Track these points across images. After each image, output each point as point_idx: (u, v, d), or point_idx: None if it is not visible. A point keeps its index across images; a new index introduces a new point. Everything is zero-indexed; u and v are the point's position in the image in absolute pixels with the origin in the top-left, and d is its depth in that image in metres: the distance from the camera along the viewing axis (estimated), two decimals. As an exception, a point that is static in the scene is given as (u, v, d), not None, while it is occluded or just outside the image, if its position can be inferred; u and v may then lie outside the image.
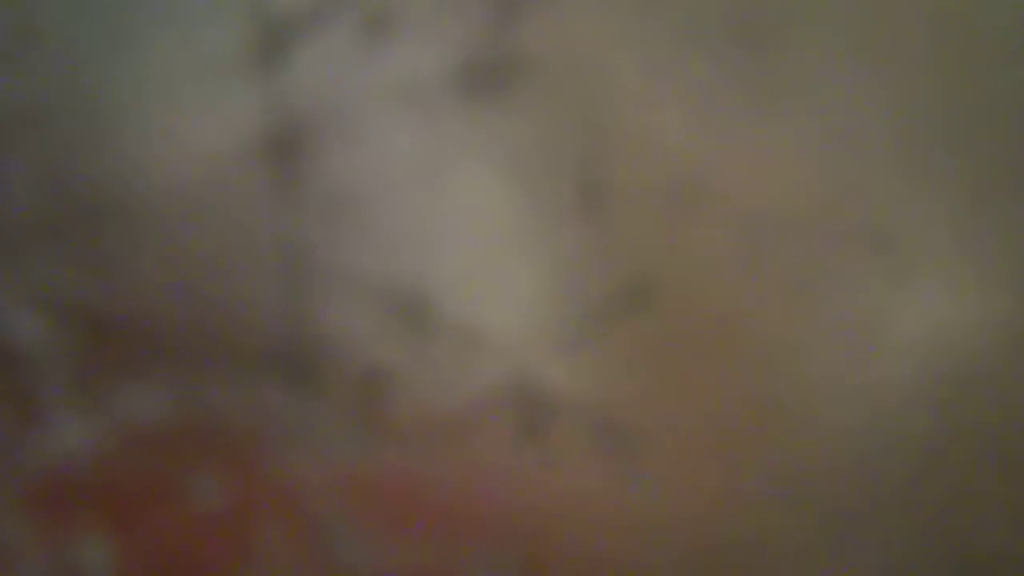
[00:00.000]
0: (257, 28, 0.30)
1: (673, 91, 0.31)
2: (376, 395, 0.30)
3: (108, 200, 0.30)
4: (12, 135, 0.30)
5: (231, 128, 0.30)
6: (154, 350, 0.30)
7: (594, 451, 0.31)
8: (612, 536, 0.31)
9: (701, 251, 0.31)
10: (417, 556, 0.31)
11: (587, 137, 0.31)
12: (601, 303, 0.31)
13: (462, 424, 0.31)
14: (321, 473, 0.30)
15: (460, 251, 0.31)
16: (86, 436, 0.30)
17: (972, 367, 0.31)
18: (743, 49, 0.31)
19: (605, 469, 0.31)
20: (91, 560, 0.30)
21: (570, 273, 0.31)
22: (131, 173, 0.30)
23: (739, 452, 0.31)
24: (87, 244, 0.30)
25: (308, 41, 0.31)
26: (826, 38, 0.31)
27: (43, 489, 0.30)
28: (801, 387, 0.31)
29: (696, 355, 0.31)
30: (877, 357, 0.31)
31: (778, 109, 0.31)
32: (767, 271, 0.31)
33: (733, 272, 0.31)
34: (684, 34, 0.31)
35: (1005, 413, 0.32)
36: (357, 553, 0.31)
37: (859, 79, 0.31)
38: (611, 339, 0.31)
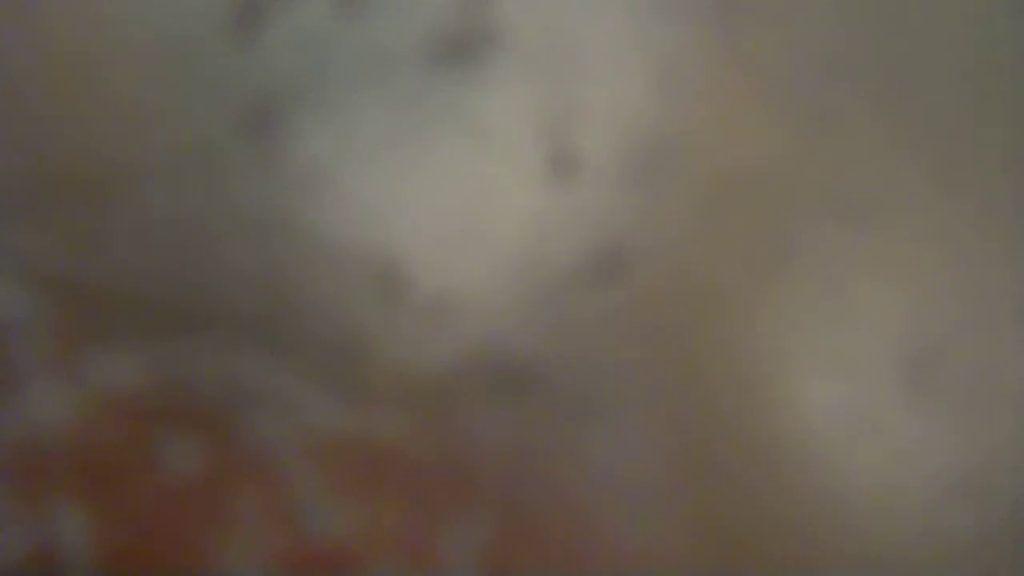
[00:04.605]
0: (233, 0, 0.31)
1: (642, 60, 0.31)
2: (351, 361, 0.31)
3: (85, 170, 0.31)
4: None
5: (206, 99, 0.31)
6: (131, 319, 0.31)
7: (566, 418, 0.31)
8: (586, 503, 0.31)
9: (671, 219, 0.31)
10: (392, 523, 0.31)
11: (557, 107, 0.31)
12: (572, 270, 0.31)
13: (436, 389, 0.31)
14: (296, 440, 0.31)
15: (433, 220, 0.31)
16: (63, 405, 0.31)
17: (942, 339, 0.32)
18: (716, 20, 0.31)
19: (577, 436, 0.31)
20: (68, 528, 0.31)
21: (542, 241, 0.31)
22: (108, 143, 0.31)
23: (711, 418, 0.31)
24: (64, 214, 0.31)
25: (283, 13, 0.31)
26: (795, 4, 0.31)
27: (20, 458, 0.31)
28: (772, 354, 0.31)
29: (666, 322, 0.31)
30: (849, 326, 0.32)
31: (748, 77, 0.31)
32: (737, 239, 0.31)
33: (703, 240, 0.31)
34: (656, 4, 0.31)
35: (966, 380, 0.32)
36: (332, 519, 0.31)
37: (836, 48, 0.31)
38: (583, 306, 0.31)
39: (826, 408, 0.32)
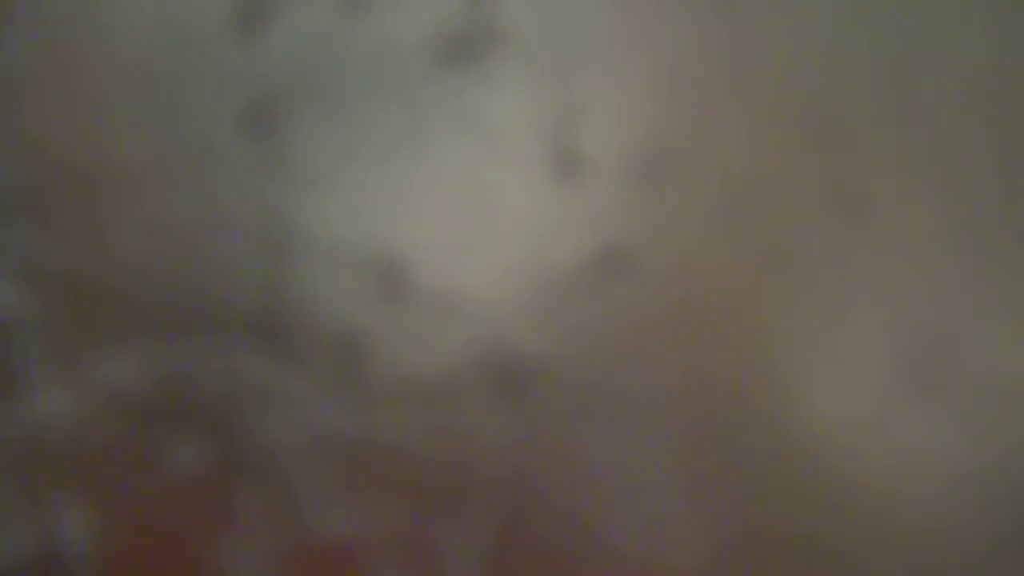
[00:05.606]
0: (235, -2, 0.31)
1: (646, 61, 0.31)
2: (353, 361, 0.31)
3: (87, 169, 0.30)
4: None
5: (210, 97, 0.31)
6: (133, 318, 0.31)
7: (569, 418, 0.31)
8: (590, 499, 0.31)
9: (674, 218, 0.31)
10: (395, 520, 0.31)
11: (561, 107, 0.31)
12: (576, 270, 0.31)
13: (439, 389, 0.31)
14: (298, 440, 0.31)
15: (436, 219, 0.31)
16: (65, 404, 0.30)
17: (946, 338, 0.32)
18: (718, 20, 0.31)
19: (581, 433, 0.31)
20: (70, 527, 0.31)
21: (545, 240, 0.31)
22: (111, 142, 0.30)
23: (714, 413, 0.31)
24: (67, 213, 0.31)
25: (288, 12, 0.31)
26: (802, 6, 0.31)
27: (22, 457, 0.31)
28: (776, 354, 0.31)
29: (670, 321, 0.31)
30: (853, 325, 0.32)
31: (753, 79, 0.31)
32: (740, 238, 0.31)
33: (707, 239, 0.31)
34: (659, 5, 0.31)
35: (970, 379, 0.32)
36: (335, 518, 0.31)
37: (837, 48, 0.31)
38: (586, 304, 0.31)
39: (830, 406, 0.32)
